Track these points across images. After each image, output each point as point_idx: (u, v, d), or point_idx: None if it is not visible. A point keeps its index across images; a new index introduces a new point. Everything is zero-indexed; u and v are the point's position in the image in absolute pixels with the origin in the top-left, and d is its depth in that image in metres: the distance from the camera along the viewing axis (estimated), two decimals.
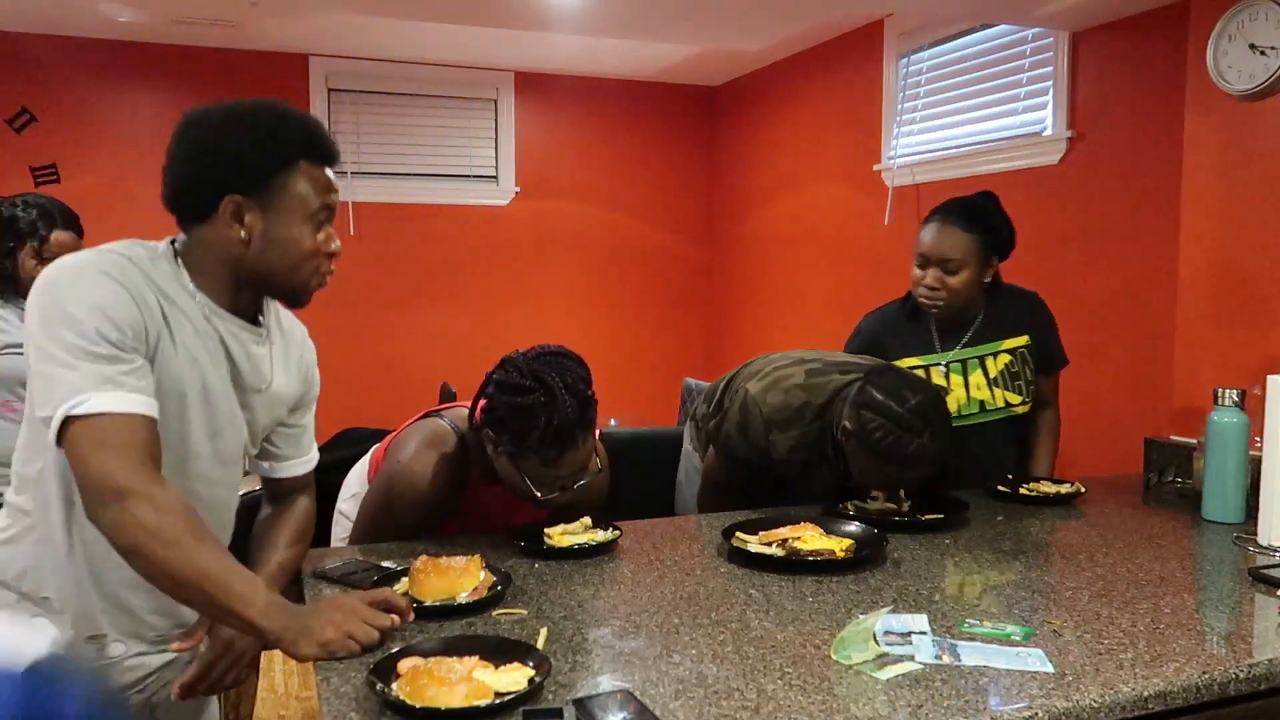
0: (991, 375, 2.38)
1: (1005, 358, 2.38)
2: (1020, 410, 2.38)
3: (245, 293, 1.42)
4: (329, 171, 1.41)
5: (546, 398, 1.65)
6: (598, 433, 1.79)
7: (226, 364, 1.41)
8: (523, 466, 1.70)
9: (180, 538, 1.21)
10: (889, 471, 1.96)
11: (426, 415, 1.91)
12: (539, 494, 1.73)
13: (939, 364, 2.37)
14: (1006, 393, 2.38)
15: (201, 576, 1.22)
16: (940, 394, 2.04)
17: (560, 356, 1.74)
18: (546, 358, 1.73)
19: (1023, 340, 2.40)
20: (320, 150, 1.41)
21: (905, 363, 2.33)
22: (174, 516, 1.21)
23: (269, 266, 1.39)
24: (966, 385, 2.36)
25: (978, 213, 2.31)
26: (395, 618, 1.35)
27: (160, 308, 1.32)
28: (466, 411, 1.86)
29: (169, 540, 1.20)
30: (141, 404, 1.24)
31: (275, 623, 1.25)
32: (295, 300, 1.45)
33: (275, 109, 1.40)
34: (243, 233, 1.36)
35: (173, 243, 1.42)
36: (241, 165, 1.34)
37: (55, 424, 1.20)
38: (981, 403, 2.36)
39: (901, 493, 2.08)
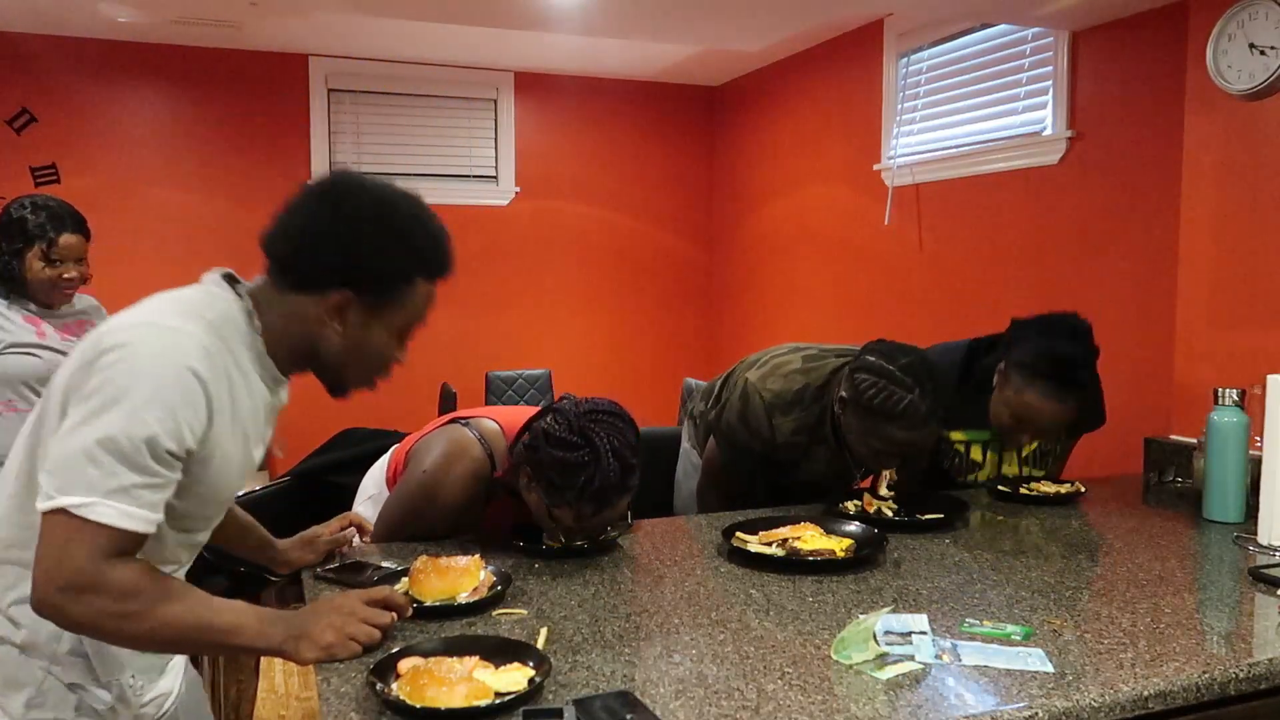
0: (1024, 454, 2.40)
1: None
2: (1036, 485, 2.34)
3: (300, 364, 1.39)
4: (434, 290, 1.39)
5: (591, 458, 1.63)
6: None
7: (269, 428, 1.40)
8: (553, 512, 1.70)
9: (145, 609, 1.17)
10: (884, 431, 1.96)
11: (451, 421, 1.90)
12: (563, 539, 1.74)
13: (980, 443, 2.38)
14: (1032, 469, 2.42)
15: (181, 634, 1.21)
16: (929, 357, 2.05)
17: (612, 417, 1.71)
18: (598, 415, 1.69)
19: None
20: (442, 269, 1.38)
21: (950, 434, 2.35)
22: (132, 597, 1.17)
23: (343, 362, 1.36)
24: (1000, 462, 2.39)
25: (1082, 377, 2.16)
26: (394, 615, 1.35)
27: (229, 391, 1.27)
28: (491, 425, 1.85)
29: (133, 616, 1.17)
30: (141, 521, 1.18)
31: (273, 638, 1.25)
32: (339, 392, 1.43)
33: (420, 218, 1.36)
34: (338, 326, 1.32)
35: (244, 288, 1.36)
36: (370, 269, 1.30)
37: (47, 504, 1.14)
38: (1006, 476, 2.39)
39: (900, 474, 2.11)
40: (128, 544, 1.17)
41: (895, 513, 2.06)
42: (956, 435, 2.37)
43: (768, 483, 2.28)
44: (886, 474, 2.12)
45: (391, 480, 1.92)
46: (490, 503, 1.85)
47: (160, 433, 1.16)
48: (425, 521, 1.79)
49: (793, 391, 2.13)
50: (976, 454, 2.38)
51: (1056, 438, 2.32)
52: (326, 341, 1.32)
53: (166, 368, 1.18)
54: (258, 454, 1.38)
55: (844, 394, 2.01)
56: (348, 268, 1.29)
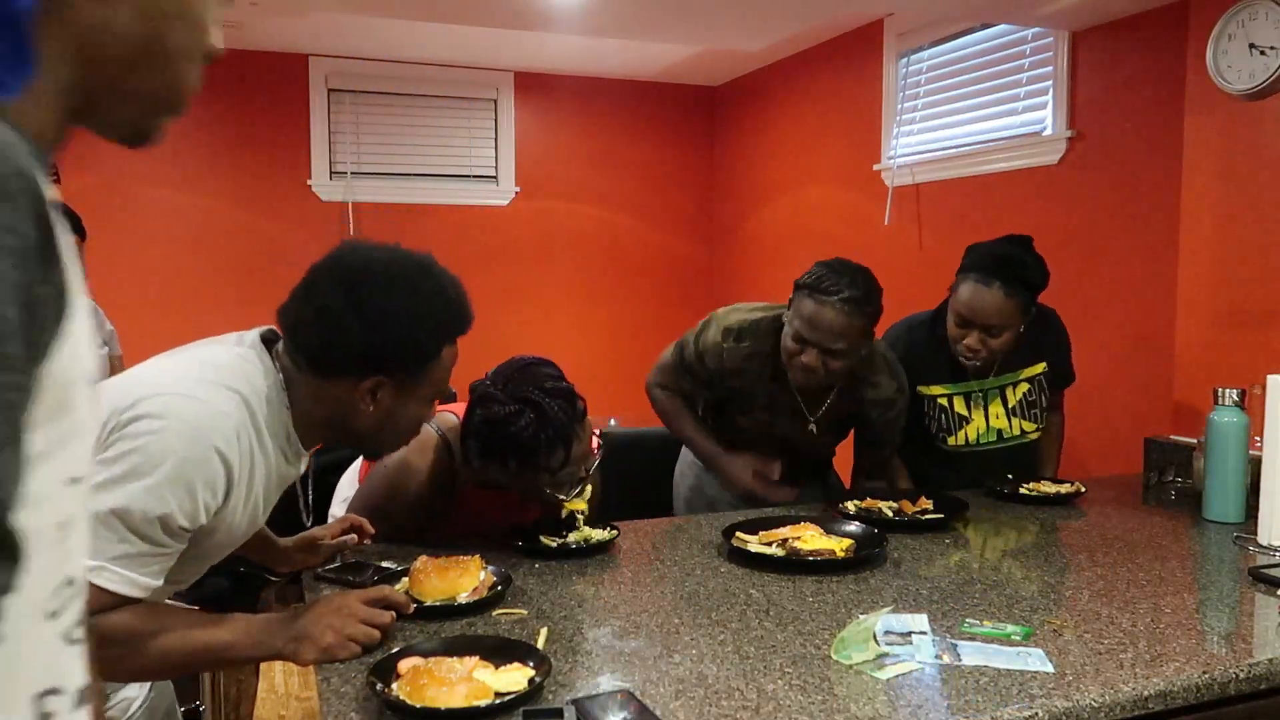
0: (1010, 405, 2.41)
1: (1024, 386, 2.40)
2: (1033, 438, 2.41)
3: (330, 437, 1.40)
4: (456, 347, 1.41)
5: (536, 413, 1.66)
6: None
7: (277, 494, 1.41)
8: (540, 479, 1.72)
9: (139, 648, 1.19)
10: (809, 309, 2.04)
11: None
12: (563, 495, 1.77)
13: (963, 394, 2.39)
14: (1023, 421, 2.42)
15: (180, 661, 1.23)
16: (872, 275, 2.17)
17: (527, 366, 1.75)
18: (517, 374, 1.73)
19: (1041, 367, 2.42)
20: (465, 329, 1.40)
21: (929, 390, 2.39)
22: (123, 642, 1.18)
23: (378, 435, 1.38)
24: (986, 415, 2.40)
25: (1015, 270, 2.22)
26: (394, 614, 1.36)
27: (250, 468, 1.27)
28: (450, 418, 1.87)
29: (128, 656, 1.19)
30: (142, 589, 1.19)
31: (272, 644, 1.27)
32: (373, 456, 1.42)
33: (442, 288, 1.37)
34: (372, 408, 1.34)
35: (278, 357, 1.36)
36: (402, 355, 1.32)
37: None
38: (999, 431, 2.40)
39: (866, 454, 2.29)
40: (125, 603, 1.19)
41: (895, 512, 2.06)
42: (937, 389, 2.38)
43: (710, 407, 2.38)
44: (776, 464, 2.26)
45: (363, 480, 1.93)
46: (470, 494, 1.86)
47: (176, 511, 1.18)
48: (391, 520, 1.80)
49: (750, 322, 2.22)
50: (960, 406, 2.39)
51: (1006, 343, 2.27)
52: (360, 419, 1.34)
53: (195, 447, 1.19)
54: (261, 519, 1.39)
55: (788, 306, 2.14)
56: (380, 358, 1.31)
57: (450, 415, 1.89)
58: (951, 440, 2.39)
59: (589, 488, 1.84)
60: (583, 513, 1.83)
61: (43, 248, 0.54)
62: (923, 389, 2.38)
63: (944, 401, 2.38)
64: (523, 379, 1.71)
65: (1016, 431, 2.40)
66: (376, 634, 1.30)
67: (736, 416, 2.29)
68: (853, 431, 2.36)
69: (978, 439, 2.38)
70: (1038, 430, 2.42)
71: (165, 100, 0.75)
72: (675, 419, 2.40)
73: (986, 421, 2.39)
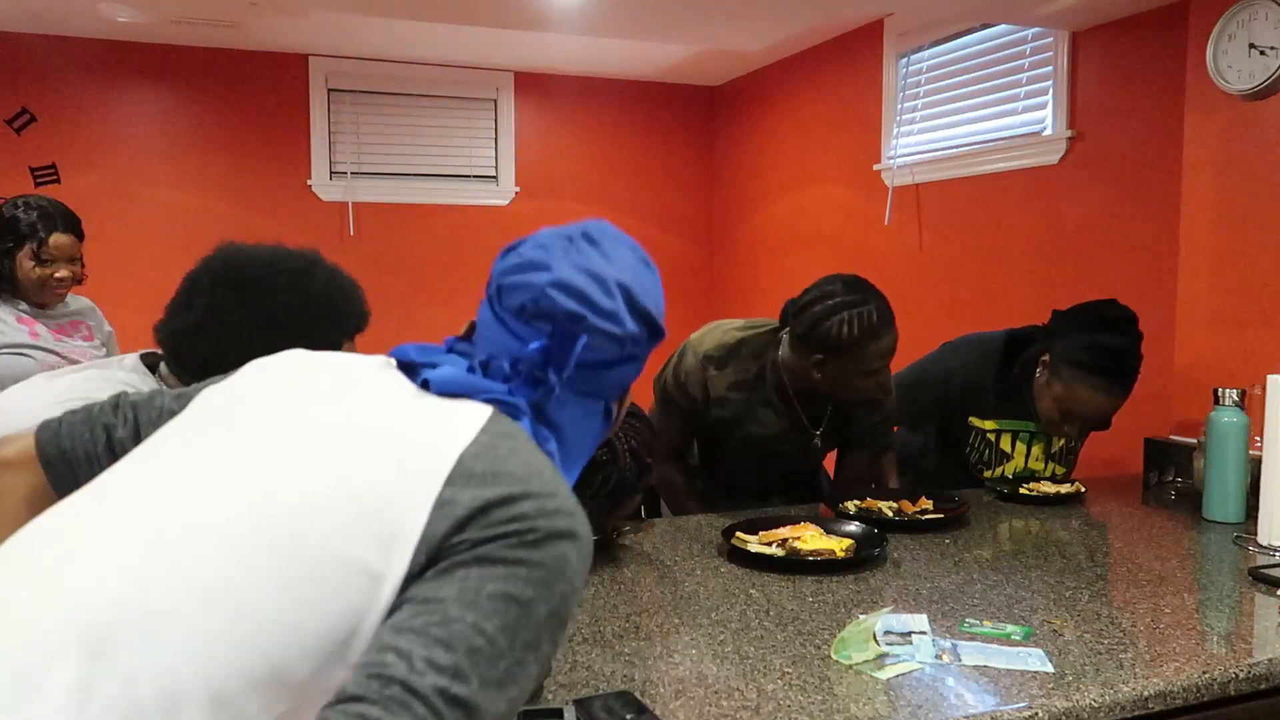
0: (1053, 449, 2.41)
1: None
2: (1036, 485, 2.33)
3: None
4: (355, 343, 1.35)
5: (609, 457, 1.64)
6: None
7: None
8: None
9: None
10: (871, 351, 1.98)
11: None
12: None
13: (1010, 432, 2.39)
14: (1056, 466, 2.43)
15: None
16: (850, 274, 2.12)
17: (630, 417, 1.71)
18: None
19: None
20: (362, 325, 1.34)
21: (981, 423, 2.38)
22: None
23: None
24: (1028, 455, 2.40)
25: (1132, 367, 2.17)
26: None
27: None
28: None
29: None
30: None
31: None
32: None
33: (336, 283, 1.30)
34: None
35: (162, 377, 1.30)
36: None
37: None
38: (1034, 471, 2.41)
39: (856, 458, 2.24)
40: None
41: (895, 512, 2.06)
42: (988, 424, 2.37)
43: (706, 446, 2.30)
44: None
45: None
46: None
47: None
48: None
49: (728, 346, 2.15)
50: (1006, 444, 2.38)
51: (1104, 428, 2.30)
52: None
53: None
54: None
55: (817, 355, 2.01)
56: (267, 354, 1.24)
57: None
58: (988, 474, 2.41)
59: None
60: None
61: None
62: (974, 420, 2.39)
63: (991, 437, 2.39)
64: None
65: (1049, 473, 2.42)
66: None
67: (727, 440, 2.22)
68: None
69: (1014, 476, 2.40)
70: (1067, 474, 2.44)
71: None
72: (674, 496, 2.29)
73: (1026, 462, 2.40)
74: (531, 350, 0.90)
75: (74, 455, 0.97)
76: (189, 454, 0.83)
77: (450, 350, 0.96)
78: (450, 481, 0.77)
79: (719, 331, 2.19)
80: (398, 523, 0.74)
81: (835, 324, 1.98)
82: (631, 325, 0.94)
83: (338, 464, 0.78)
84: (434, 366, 0.90)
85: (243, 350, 1.21)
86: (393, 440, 0.80)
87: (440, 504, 0.75)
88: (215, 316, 1.24)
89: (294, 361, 0.94)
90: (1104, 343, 2.14)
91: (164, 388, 1.26)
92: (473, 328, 1.00)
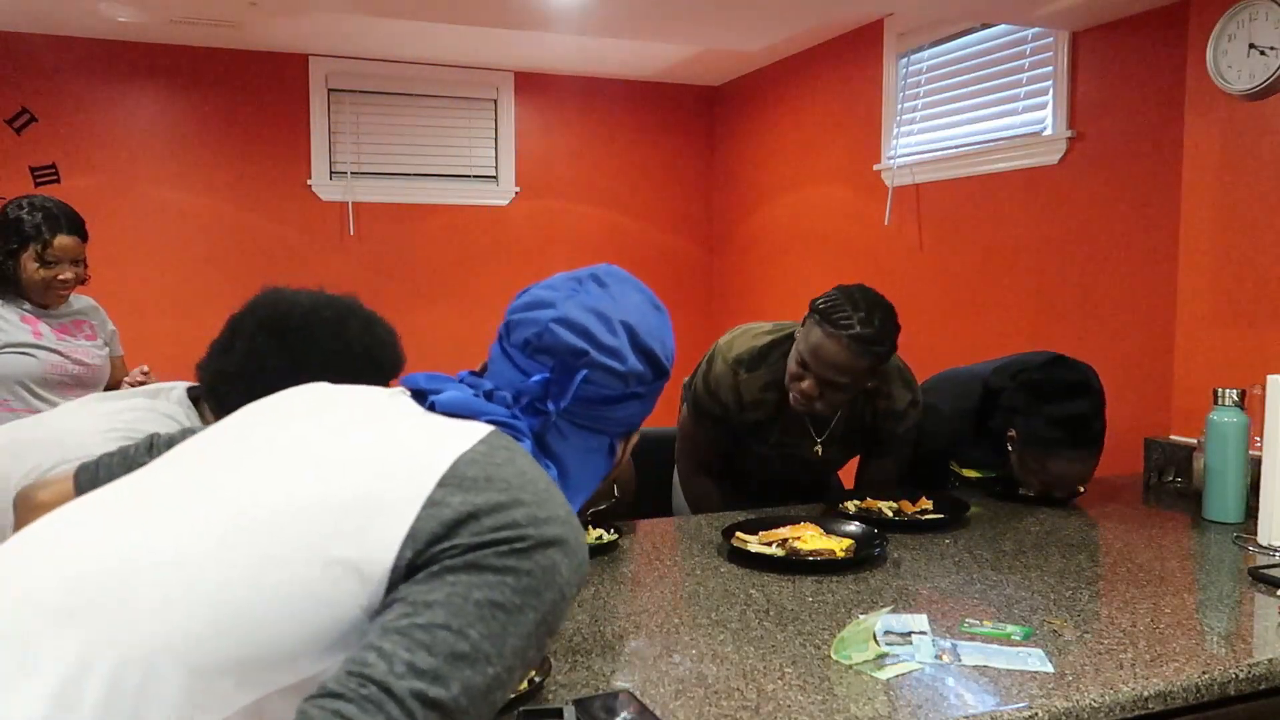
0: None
1: None
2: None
3: None
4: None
5: None
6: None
7: None
8: None
9: None
10: (818, 340, 1.96)
11: None
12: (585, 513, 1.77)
13: (989, 478, 2.39)
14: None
15: None
16: (890, 311, 2.04)
17: None
18: None
19: None
20: (398, 371, 1.36)
21: (964, 471, 2.38)
22: None
23: None
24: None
25: (1095, 433, 2.15)
26: None
27: None
28: None
29: None
30: None
31: None
32: None
33: (367, 325, 1.32)
34: None
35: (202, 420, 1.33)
36: None
37: None
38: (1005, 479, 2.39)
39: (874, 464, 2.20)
40: None
41: (895, 512, 2.06)
42: (969, 472, 2.38)
43: (749, 471, 2.29)
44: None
45: None
46: None
47: None
48: None
49: (758, 349, 2.15)
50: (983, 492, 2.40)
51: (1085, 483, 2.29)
52: None
53: None
54: None
55: (811, 307, 2.05)
56: None
57: None
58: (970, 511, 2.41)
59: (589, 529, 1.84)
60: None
61: None
62: (955, 466, 2.39)
63: (973, 484, 2.40)
64: None
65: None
66: None
67: (753, 445, 2.23)
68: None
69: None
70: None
71: None
72: (700, 506, 2.30)
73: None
74: (533, 383, 0.94)
75: None
76: (194, 463, 0.87)
77: (460, 380, 0.99)
78: (443, 483, 0.78)
79: (747, 336, 2.19)
80: (385, 521, 0.76)
81: (828, 298, 2.00)
82: (635, 362, 0.97)
83: (329, 470, 0.80)
84: (440, 392, 0.93)
85: (275, 391, 1.23)
86: (389, 447, 0.83)
87: (430, 503, 0.77)
88: (255, 361, 1.26)
89: (312, 390, 0.98)
90: (1065, 414, 2.10)
91: (199, 425, 1.28)
92: (485, 367, 1.03)
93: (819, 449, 2.20)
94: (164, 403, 1.30)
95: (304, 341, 1.27)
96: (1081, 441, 2.10)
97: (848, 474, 2.47)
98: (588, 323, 0.96)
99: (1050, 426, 2.10)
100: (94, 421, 1.25)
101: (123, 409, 1.28)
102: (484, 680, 0.72)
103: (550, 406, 0.93)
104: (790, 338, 2.13)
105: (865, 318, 1.94)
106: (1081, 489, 2.25)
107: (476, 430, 0.86)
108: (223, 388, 1.28)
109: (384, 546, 0.75)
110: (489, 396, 0.94)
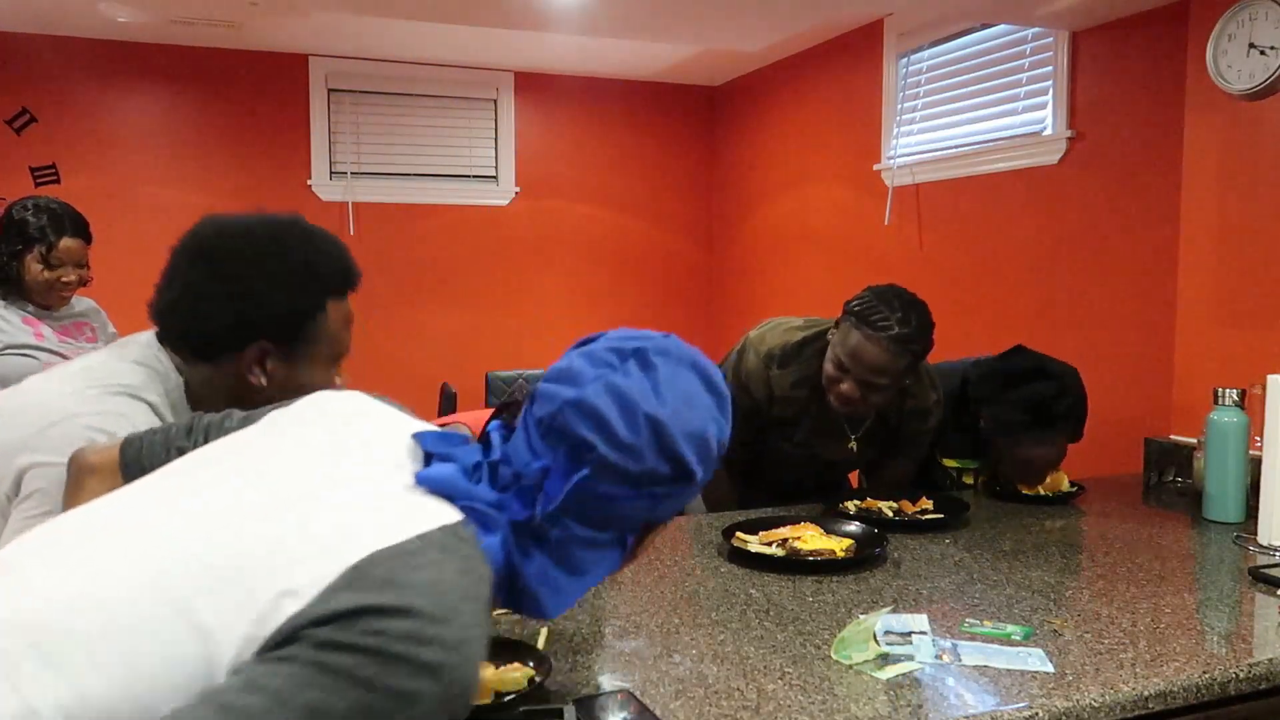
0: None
1: None
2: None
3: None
4: (349, 305, 1.33)
5: None
6: None
7: None
8: None
9: None
10: (854, 340, 1.98)
11: None
12: None
13: (973, 470, 2.41)
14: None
15: None
16: (924, 309, 2.06)
17: None
18: None
19: None
20: (352, 284, 1.32)
21: (948, 461, 2.40)
22: None
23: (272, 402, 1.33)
24: (976, 485, 2.42)
25: (1064, 413, 2.19)
26: None
27: None
28: (463, 427, 1.86)
29: None
30: None
31: None
32: None
33: (311, 242, 1.29)
34: (264, 379, 1.25)
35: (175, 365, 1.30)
36: (274, 314, 1.23)
37: None
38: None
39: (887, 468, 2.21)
40: None
41: (895, 512, 2.06)
42: (949, 462, 2.40)
43: (768, 469, 2.29)
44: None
45: None
46: None
47: None
48: None
49: (792, 344, 2.15)
50: (968, 479, 2.41)
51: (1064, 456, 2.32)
52: (256, 396, 1.24)
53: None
54: None
55: (845, 309, 2.06)
56: (251, 323, 1.23)
57: (461, 426, 1.87)
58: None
59: None
60: None
61: None
62: (936, 455, 2.41)
63: (954, 474, 2.42)
64: None
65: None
66: None
67: (779, 442, 2.23)
68: None
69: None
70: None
71: None
72: (718, 499, 2.31)
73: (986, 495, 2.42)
74: (534, 469, 0.88)
75: (149, 470, 0.98)
76: (159, 490, 0.86)
77: (482, 438, 0.93)
78: (343, 577, 0.74)
79: (779, 331, 2.20)
80: (274, 601, 0.73)
81: (862, 299, 2.02)
82: (653, 463, 0.88)
83: (250, 531, 0.77)
84: (444, 458, 0.88)
85: (222, 319, 1.23)
86: (324, 521, 0.78)
87: (322, 597, 0.73)
88: (191, 290, 1.25)
89: (338, 408, 0.94)
90: (1025, 397, 2.16)
91: (169, 370, 1.27)
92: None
93: (854, 445, 2.21)
94: (133, 349, 1.29)
95: (235, 263, 1.25)
96: (1050, 420, 2.15)
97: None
98: (605, 412, 0.86)
99: (1015, 409, 2.17)
100: (71, 384, 1.24)
101: (93, 365, 1.27)
102: None
103: (538, 507, 0.87)
104: (822, 335, 2.14)
105: (902, 318, 1.97)
106: (1079, 487, 2.25)
107: (430, 519, 0.80)
108: (169, 321, 1.27)
109: (265, 622, 0.72)
110: (493, 469, 0.88)
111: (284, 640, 0.71)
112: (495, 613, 1.46)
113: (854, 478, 2.55)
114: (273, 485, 0.82)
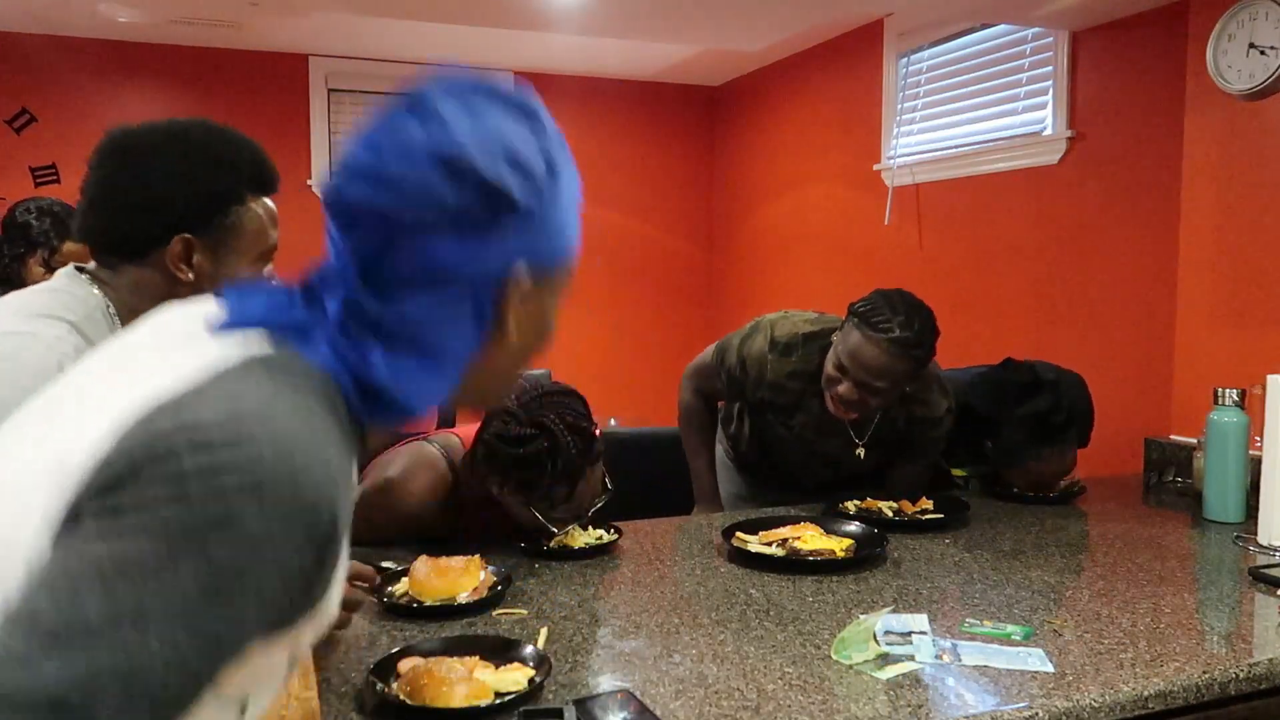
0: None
1: None
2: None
3: None
4: (272, 203, 1.33)
5: (550, 442, 1.65)
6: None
7: None
8: (536, 507, 1.71)
9: None
10: (858, 343, 1.97)
11: (412, 439, 1.90)
12: (554, 529, 1.74)
13: (979, 476, 2.41)
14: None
15: None
16: (929, 314, 2.07)
17: (556, 395, 1.73)
18: (542, 399, 1.71)
19: None
20: (269, 181, 1.34)
21: (954, 470, 2.42)
22: None
23: None
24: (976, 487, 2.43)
25: (1071, 425, 2.20)
26: (361, 592, 1.31)
27: None
28: (454, 439, 1.86)
29: None
30: None
31: None
32: None
33: (220, 135, 1.30)
34: (190, 275, 1.24)
35: (97, 284, 1.27)
36: (191, 201, 1.23)
37: None
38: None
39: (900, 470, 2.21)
40: None
41: (895, 512, 2.06)
42: (958, 471, 2.40)
43: (777, 458, 2.32)
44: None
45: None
46: (476, 511, 1.85)
47: None
48: (376, 529, 1.75)
49: (799, 336, 2.17)
50: (975, 484, 2.41)
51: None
52: (185, 292, 1.20)
53: (36, 378, 1.06)
54: None
55: (850, 310, 2.07)
56: (168, 212, 1.22)
57: (453, 437, 1.87)
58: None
59: (583, 529, 1.83)
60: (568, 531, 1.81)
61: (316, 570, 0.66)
62: (942, 462, 2.41)
63: (962, 482, 2.43)
64: (546, 406, 1.69)
65: None
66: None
67: (776, 426, 2.25)
68: None
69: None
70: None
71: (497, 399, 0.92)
72: (689, 433, 2.39)
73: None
74: (329, 266, 0.78)
75: None
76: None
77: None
78: (123, 438, 0.63)
79: (792, 321, 2.22)
80: (57, 487, 0.64)
81: (867, 301, 2.03)
82: (447, 193, 0.76)
83: (48, 433, 0.69)
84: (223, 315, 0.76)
85: (133, 215, 1.23)
86: (103, 396, 0.68)
87: (102, 465, 0.63)
88: (105, 189, 1.26)
89: (162, 317, 0.82)
90: (1029, 413, 2.16)
91: (89, 288, 1.25)
92: None
93: (861, 452, 2.21)
94: (46, 282, 1.28)
95: (143, 158, 1.25)
96: (1056, 433, 2.16)
97: None
98: (375, 163, 0.78)
99: (1020, 429, 2.17)
100: (10, 304, 1.23)
101: (8, 299, 1.26)
102: (121, 659, 0.56)
103: (346, 285, 0.76)
104: (828, 332, 2.15)
105: (905, 321, 1.97)
106: (1079, 487, 2.25)
107: (223, 359, 0.69)
108: (90, 225, 1.27)
109: (47, 516, 0.63)
110: (305, 292, 0.78)
111: (66, 524, 0.62)
112: (495, 613, 1.46)
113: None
114: (52, 409, 0.72)
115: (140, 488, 0.60)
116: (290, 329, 0.74)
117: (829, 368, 2.05)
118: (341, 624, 1.27)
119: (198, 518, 0.59)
